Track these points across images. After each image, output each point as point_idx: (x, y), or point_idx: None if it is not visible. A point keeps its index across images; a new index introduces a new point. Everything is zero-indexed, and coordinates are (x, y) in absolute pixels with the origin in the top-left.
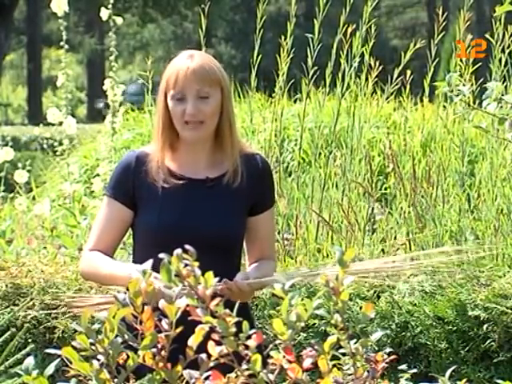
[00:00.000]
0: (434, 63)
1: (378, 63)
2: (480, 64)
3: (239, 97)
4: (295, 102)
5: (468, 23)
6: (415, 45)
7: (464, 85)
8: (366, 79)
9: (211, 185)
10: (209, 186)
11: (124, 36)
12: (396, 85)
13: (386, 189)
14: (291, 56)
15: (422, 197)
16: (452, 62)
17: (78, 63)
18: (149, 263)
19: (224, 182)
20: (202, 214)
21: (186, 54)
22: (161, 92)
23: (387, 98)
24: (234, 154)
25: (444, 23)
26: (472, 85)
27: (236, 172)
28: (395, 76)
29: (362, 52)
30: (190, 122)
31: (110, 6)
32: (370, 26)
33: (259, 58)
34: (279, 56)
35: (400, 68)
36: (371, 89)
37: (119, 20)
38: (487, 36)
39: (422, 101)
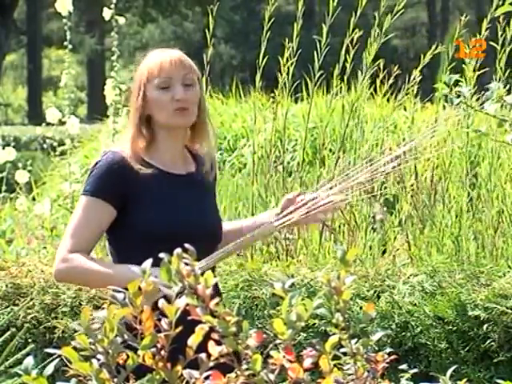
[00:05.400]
0: (433, 60)
1: (382, 65)
2: (485, 68)
3: (240, 96)
4: (296, 101)
5: (468, 24)
6: (436, 47)
7: (467, 85)
8: (373, 82)
9: (192, 179)
10: (190, 181)
11: (124, 36)
12: (412, 86)
13: (385, 190)
14: (294, 56)
15: (426, 197)
16: (451, 63)
17: (78, 63)
18: (149, 262)
19: (200, 177)
20: (193, 209)
21: (160, 50)
22: (136, 87)
23: (400, 98)
24: (211, 147)
25: (444, 24)
26: (474, 86)
27: (213, 165)
28: (412, 77)
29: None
30: (178, 109)
31: (112, 6)
32: (378, 29)
33: (265, 59)
34: (281, 57)
35: (418, 69)
36: (376, 90)
37: (121, 20)
38: None
39: (421, 101)
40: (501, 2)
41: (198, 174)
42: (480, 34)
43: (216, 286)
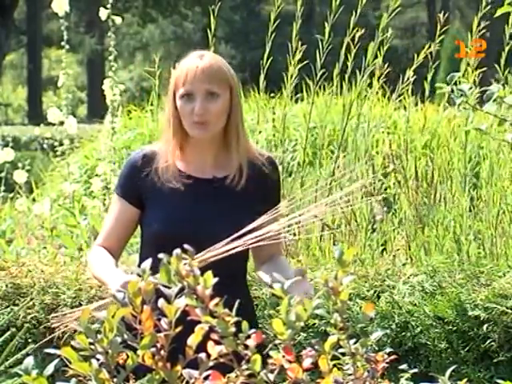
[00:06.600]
0: (426, 59)
1: (384, 65)
2: (485, 67)
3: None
4: (296, 101)
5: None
6: (429, 46)
7: (470, 83)
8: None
9: (218, 185)
10: (216, 186)
11: (124, 36)
12: (407, 85)
13: (386, 189)
14: (297, 56)
15: (426, 197)
16: (453, 63)
17: (78, 63)
18: (148, 262)
19: (230, 182)
20: (208, 213)
21: (196, 54)
22: (170, 92)
23: (397, 97)
24: (240, 155)
25: (444, 24)
26: (475, 86)
27: (242, 172)
28: (407, 77)
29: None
30: (197, 122)
31: (109, 6)
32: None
33: (270, 59)
34: (283, 57)
35: (412, 68)
36: (377, 90)
37: (118, 20)
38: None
39: (422, 102)
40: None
41: (231, 180)
42: (471, 33)
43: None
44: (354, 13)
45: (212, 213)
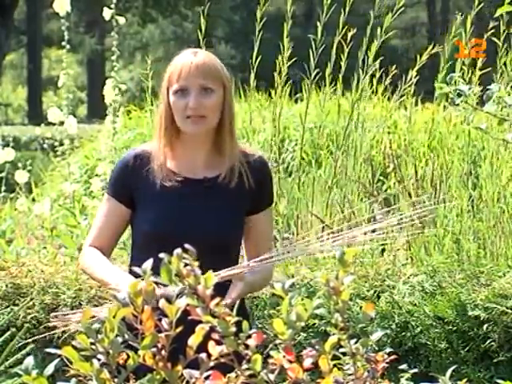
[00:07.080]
0: (435, 61)
1: (382, 65)
2: (487, 67)
3: (239, 97)
4: (296, 101)
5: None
6: (433, 47)
7: (469, 83)
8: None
9: (209, 185)
10: (206, 186)
11: (124, 36)
12: (409, 86)
13: (385, 190)
14: (290, 55)
15: (426, 197)
16: (453, 63)
17: (78, 63)
18: (149, 263)
19: (222, 181)
20: (199, 213)
21: (190, 51)
22: (163, 89)
23: (399, 97)
24: (232, 154)
25: (444, 24)
26: (475, 85)
27: (234, 172)
28: (409, 77)
29: (367, 53)
30: (191, 116)
31: (112, 6)
32: (377, 29)
33: (259, 58)
34: (280, 56)
35: (415, 69)
36: (376, 90)
37: (122, 20)
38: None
39: (425, 102)
40: None
41: (222, 180)
42: (465, 33)
43: (244, 309)
44: (343, 12)
45: (202, 212)
